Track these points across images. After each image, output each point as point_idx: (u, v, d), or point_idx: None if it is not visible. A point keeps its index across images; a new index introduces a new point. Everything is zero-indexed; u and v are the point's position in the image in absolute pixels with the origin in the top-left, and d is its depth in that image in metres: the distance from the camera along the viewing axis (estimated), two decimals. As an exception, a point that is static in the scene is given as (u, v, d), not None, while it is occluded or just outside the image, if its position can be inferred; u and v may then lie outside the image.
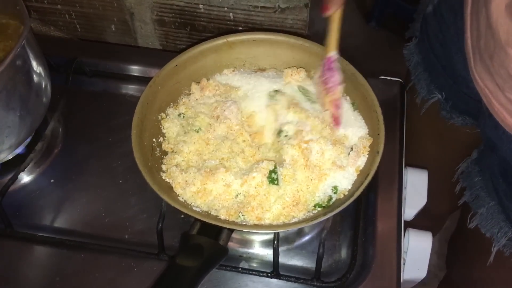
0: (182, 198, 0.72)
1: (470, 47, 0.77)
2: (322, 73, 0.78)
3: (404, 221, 0.84)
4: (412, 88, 1.00)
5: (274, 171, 0.71)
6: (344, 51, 0.76)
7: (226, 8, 1.06)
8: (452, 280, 1.31)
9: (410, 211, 0.88)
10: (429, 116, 1.00)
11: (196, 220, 0.68)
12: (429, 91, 0.96)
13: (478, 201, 0.88)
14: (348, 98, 0.80)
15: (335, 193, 0.71)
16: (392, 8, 2.29)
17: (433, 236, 1.66)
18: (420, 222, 0.95)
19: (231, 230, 0.69)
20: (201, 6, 1.07)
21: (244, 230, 0.74)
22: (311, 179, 0.71)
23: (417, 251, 0.84)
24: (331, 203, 0.71)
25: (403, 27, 1.07)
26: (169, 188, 0.73)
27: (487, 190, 0.86)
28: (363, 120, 0.77)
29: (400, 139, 0.87)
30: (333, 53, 0.78)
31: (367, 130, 0.76)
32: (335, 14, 0.78)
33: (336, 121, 0.77)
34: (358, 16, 2.44)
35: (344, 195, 0.71)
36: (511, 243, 0.83)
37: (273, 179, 0.71)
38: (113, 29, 1.18)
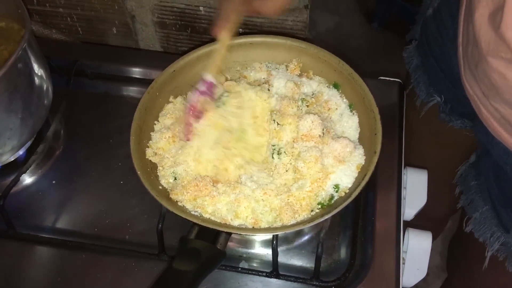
0: (181, 203, 0.72)
1: (461, 53, 0.78)
2: (196, 93, 0.76)
3: (404, 221, 0.84)
4: (412, 91, 1.00)
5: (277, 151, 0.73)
6: (346, 52, 0.77)
7: (226, 10, 1.06)
8: (453, 285, 1.31)
9: (410, 211, 0.88)
10: (428, 118, 1.01)
11: (195, 224, 0.68)
12: (429, 94, 0.96)
13: (472, 205, 0.88)
14: (345, 99, 0.80)
15: (336, 191, 0.72)
16: (394, 9, 2.30)
17: (436, 237, 1.67)
18: (421, 223, 0.95)
19: (229, 234, 0.70)
20: (201, 8, 1.08)
21: (242, 233, 0.75)
22: (318, 178, 0.72)
23: (417, 251, 0.84)
24: (332, 202, 0.71)
25: (405, 28, 1.07)
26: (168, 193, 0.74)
27: (481, 195, 0.86)
28: (357, 121, 0.79)
29: (399, 139, 0.88)
30: (210, 76, 0.75)
31: (358, 134, 0.78)
32: (223, 37, 0.74)
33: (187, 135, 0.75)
34: (360, 17, 2.45)
35: (345, 193, 0.71)
36: (504, 247, 0.83)
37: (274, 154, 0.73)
38: (115, 32, 1.18)
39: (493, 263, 0.87)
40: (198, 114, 0.75)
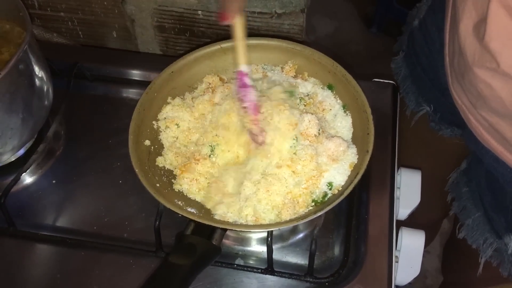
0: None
1: (448, 64, 0.79)
2: (237, 91, 0.75)
3: (398, 221, 0.85)
4: (402, 101, 1.01)
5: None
6: (344, 56, 0.78)
7: (224, 14, 1.08)
8: None
9: (404, 211, 0.89)
10: (418, 127, 1.02)
11: (191, 220, 0.70)
12: (418, 103, 0.97)
13: (465, 212, 0.89)
14: (339, 100, 0.82)
15: (330, 189, 0.73)
16: (393, 14, 2.31)
17: (432, 239, 1.68)
18: (415, 227, 0.96)
19: (224, 230, 0.71)
20: (199, 12, 1.10)
21: (237, 229, 0.76)
22: (313, 176, 0.73)
23: (410, 250, 0.85)
24: (326, 199, 0.73)
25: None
26: (165, 190, 0.75)
27: (473, 201, 0.86)
28: (351, 122, 0.80)
29: (393, 140, 0.89)
30: (243, 66, 0.74)
31: (351, 134, 0.79)
32: (236, 22, 0.71)
33: (256, 141, 0.74)
34: (359, 22, 2.46)
35: (338, 190, 0.73)
36: (497, 254, 0.83)
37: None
38: (115, 36, 1.20)
39: (487, 268, 0.88)
40: (256, 108, 0.74)
